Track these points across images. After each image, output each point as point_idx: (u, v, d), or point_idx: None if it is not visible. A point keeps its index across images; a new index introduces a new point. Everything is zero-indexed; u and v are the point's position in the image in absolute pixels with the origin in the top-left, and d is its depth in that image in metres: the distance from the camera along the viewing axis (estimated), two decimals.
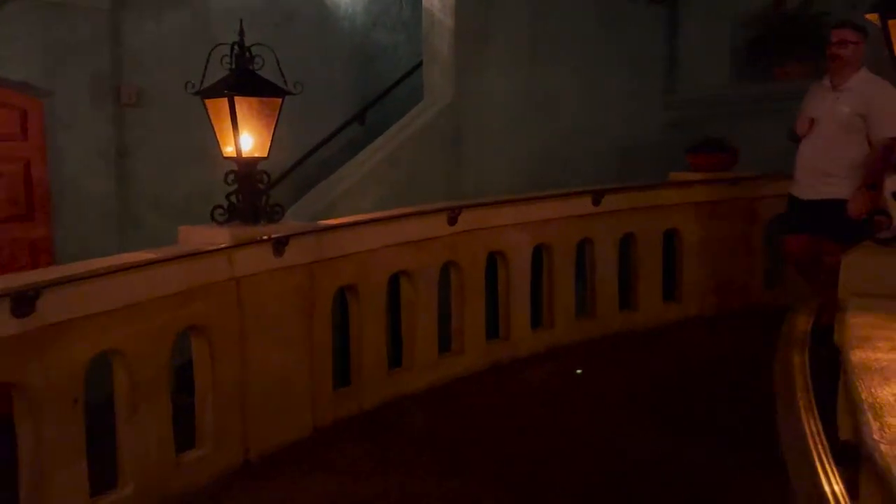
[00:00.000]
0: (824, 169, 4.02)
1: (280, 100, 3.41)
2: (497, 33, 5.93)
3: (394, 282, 4.10)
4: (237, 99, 3.29)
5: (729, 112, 6.51)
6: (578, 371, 4.33)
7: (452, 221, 4.14)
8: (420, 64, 6.14)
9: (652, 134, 6.77)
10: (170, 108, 5.46)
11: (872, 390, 1.36)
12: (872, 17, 3.36)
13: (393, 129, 5.53)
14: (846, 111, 3.92)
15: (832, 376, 1.79)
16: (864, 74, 3.97)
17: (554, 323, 4.76)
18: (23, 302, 2.43)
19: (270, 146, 3.45)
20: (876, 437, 1.16)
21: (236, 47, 3.36)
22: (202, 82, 3.35)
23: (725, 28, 6.75)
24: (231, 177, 3.43)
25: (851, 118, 3.91)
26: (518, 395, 4.01)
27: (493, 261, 4.51)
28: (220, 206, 3.39)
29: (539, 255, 4.71)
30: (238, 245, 3.23)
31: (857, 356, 1.50)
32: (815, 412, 1.17)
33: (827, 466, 1.19)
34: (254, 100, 3.36)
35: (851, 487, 1.16)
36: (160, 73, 5.59)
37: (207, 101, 3.38)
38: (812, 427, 1.12)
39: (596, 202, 4.77)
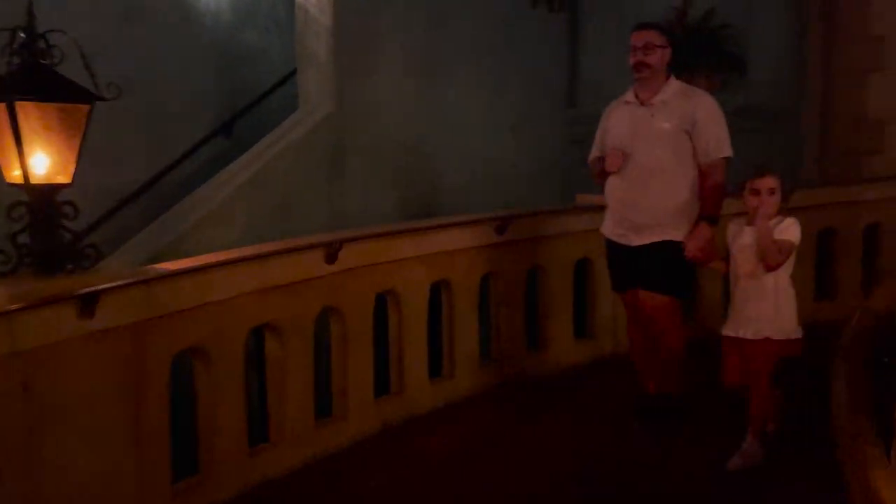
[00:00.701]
0: (652, 206, 3.26)
1: (87, 107, 2.53)
2: (386, 36, 5.22)
3: (258, 336, 3.29)
4: (22, 105, 2.40)
5: None
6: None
7: (331, 259, 3.36)
8: None
9: (555, 152, 6.27)
10: None
11: None
12: None
13: (261, 143, 4.69)
14: (667, 127, 3.23)
15: None
16: (676, 84, 3.35)
17: (455, 371, 4.06)
18: None
19: (76, 169, 2.57)
20: None
21: (20, 34, 2.46)
22: None
23: (629, 40, 6.36)
24: (19, 210, 2.52)
25: (676, 136, 3.22)
26: (414, 473, 3.27)
27: (384, 302, 3.77)
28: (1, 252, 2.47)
29: (437, 293, 4.01)
30: (24, 307, 2.32)
31: None
32: None
33: None
34: (50, 106, 2.47)
35: None
36: None
37: None
38: None
39: (500, 231, 4.13)
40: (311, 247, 3.33)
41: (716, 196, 3.24)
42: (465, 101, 5.72)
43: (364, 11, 5.01)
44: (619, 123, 3.39)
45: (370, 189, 5.08)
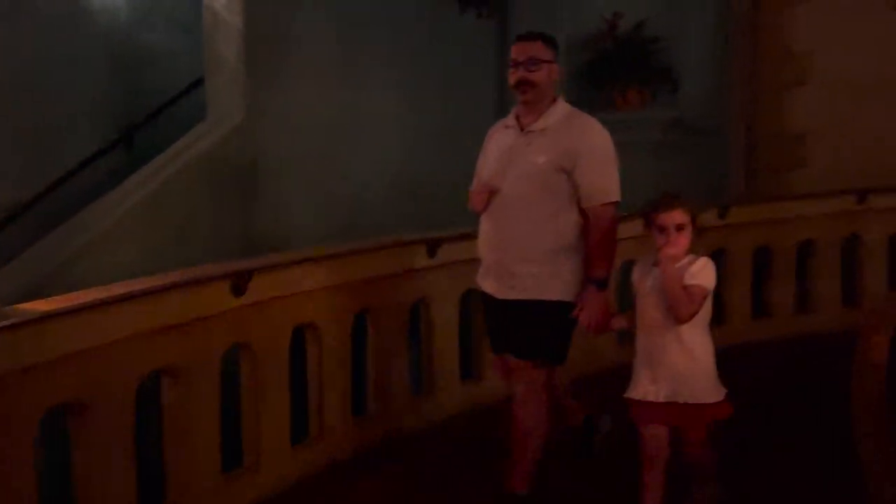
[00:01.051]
0: (518, 255, 2.73)
1: None
2: (304, 39, 4.82)
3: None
4: None
5: None
6: None
7: (239, 290, 2.94)
8: None
9: None
10: None
11: None
12: None
13: (162, 157, 4.20)
14: (542, 163, 2.67)
15: None
16: (563, 108, 2.76)
17: (384, 409, 3.69)
18: None
19: None
20: None
21: None
22: None
23: (561, 52, 6.18)
24: None
25: (550, 173, 2.67)
26: None
27: (301, 336, 3.37)
28: None
29: (362, 323, 3.63)
30: None
31: None
32: None
33: None
34: None
35: None
36: None
37: None
38: None
39: (431, 253, 3.79)
40: (216, 278, 2.90)
41: (603, 252, 2.69)
42: (389, 110, 5.37)
43: (278, 13, 4.59)
44: (495, 151, 2.85)
45: (288, 207, 4.66)
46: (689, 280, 2.43)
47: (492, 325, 2.95)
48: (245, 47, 4.37)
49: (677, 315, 2.43)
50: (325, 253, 3.40)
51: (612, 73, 6.02)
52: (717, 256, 4.85)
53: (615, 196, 2.72)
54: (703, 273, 2.45)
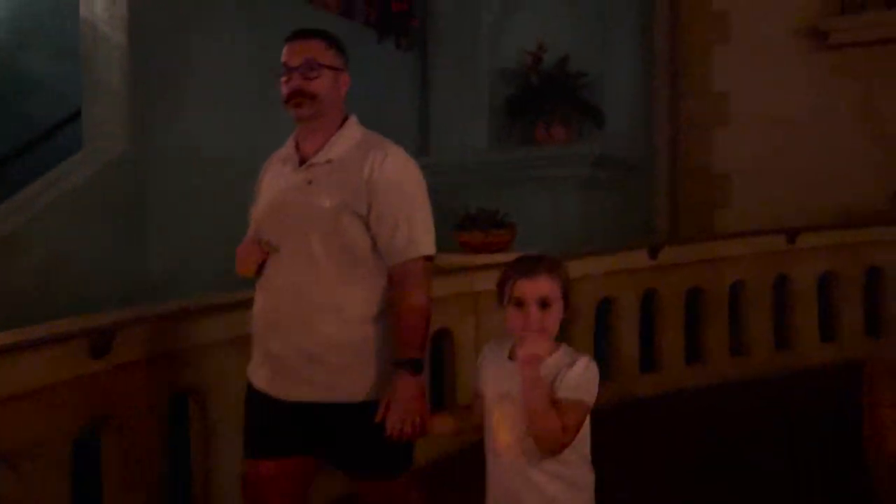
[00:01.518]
0: (302, 341, 1.99)
1: None
2: (202, 60, 4.37)
3: None
4: None
5: (487, 179, 5.70)
6: None
7: (100, 351, 2.43)
8: None
9: None
10: None
11: None
12: None
13: (26, 191, 3.65)
14: (328, 207, 1.97)
15: None
16: (354, 132, 2.11)
17: None
18: None
19: None
20: None
21: None
22: None
23: (483, 85, 5.97)
24: None
25: (342, 223, 1.97)
26: None
27: (182, 404, 2.86)
28: None
29: None
30: None
31: None
32: None
33: None
34: None
35: None
36: None
37: None
38: None
39: None
40: (71, 336, 2.39)
41: (415, 325, 1.95)
42: None
43: (171, 29, 4.14)
44: (267, 193, 2.14)
45: (183, 247, 4.14)
46: (563, 392, 1.61)
47: (265, 428, 2.11)
48: (131, 68, 3.87)
49: (543, 444, 1.61)
50: (210, 303, 2.92)
51: (537, 107, 5.83)
52: (649, 298, 4.64)
53: (426, 248, 2.00)
54: (583, 380, 1.63)
